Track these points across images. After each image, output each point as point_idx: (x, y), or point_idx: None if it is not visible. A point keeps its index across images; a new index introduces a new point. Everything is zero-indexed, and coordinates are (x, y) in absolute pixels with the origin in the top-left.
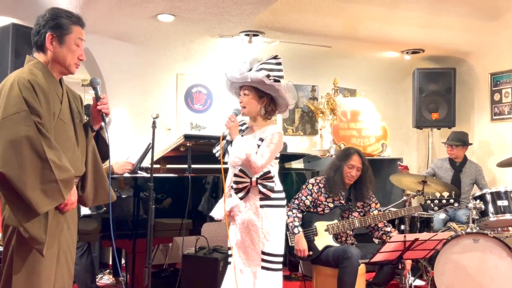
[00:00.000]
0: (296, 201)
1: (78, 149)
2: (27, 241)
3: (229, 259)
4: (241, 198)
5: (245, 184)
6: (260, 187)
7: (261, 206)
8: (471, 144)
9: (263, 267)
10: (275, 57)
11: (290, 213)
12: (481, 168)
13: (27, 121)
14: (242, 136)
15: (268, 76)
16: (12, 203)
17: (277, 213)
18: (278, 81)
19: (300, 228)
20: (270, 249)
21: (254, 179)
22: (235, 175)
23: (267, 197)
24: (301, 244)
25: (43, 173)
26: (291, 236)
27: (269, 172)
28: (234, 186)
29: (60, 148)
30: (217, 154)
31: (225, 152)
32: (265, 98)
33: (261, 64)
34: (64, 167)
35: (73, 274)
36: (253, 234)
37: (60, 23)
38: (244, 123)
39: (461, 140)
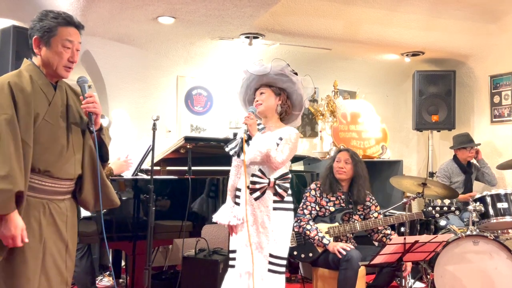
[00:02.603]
0: (306, 211)
1: (69, 152)
2: None
3: (232, 262)
4: (256, 199)
5: (262, 185)
6: (276, 187)
7: (274, 209)
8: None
9: (270, 270)
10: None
11: (308, 226)
12: (478, 166)
13: None
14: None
15: (288, 65)
16: None
17: (287, 216)
18: (296, 73)
19: (328, 237)
20: (278, 252)
21: (272, 179)
22: (253, 175)
23: (281, 199)
24: (337, 248)
25: None
26: (293, 240)
27: (287, 173)
28: (250, 186)
29: (41, 149)
30: (231, 152)
31: (240, 151)
32: (282, 95)
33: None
34: (2, 177)
35: (67, 278)
36: (262, 237)
37: (44, 26)
38: (260, 123)
39: (473, 141)
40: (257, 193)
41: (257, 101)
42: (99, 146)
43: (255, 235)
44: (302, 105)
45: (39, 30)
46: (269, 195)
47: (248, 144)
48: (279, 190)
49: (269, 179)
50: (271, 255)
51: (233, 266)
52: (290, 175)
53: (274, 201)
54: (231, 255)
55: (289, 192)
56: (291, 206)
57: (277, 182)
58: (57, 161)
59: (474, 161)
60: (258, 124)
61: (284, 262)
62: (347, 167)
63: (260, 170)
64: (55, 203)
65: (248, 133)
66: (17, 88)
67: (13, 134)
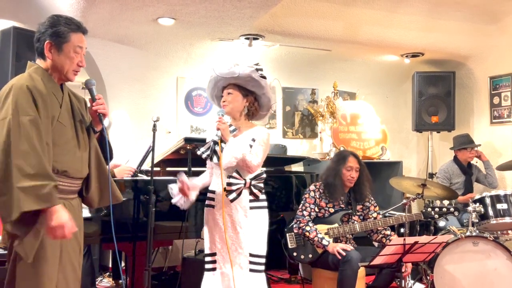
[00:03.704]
0: (306, 212)
1: (80, 151)
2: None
3: (211, 266)
4: (232, 200)
5: (239, 186)
6: (252, 187)
7: (251, 208)
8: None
9: (251, 270)
10: (256, 64)
11: (307, 227)
12: (478, 167)
13: (4, 127)
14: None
15: (256, 70)
16: None
17: (264, 215)
18: (264, 77)
19: (327, 238)
20: (258, 250)
21: (248, 180)
22: (230, 176)
23: (256, 199)
24: (337, 248)
25: (6, 178)
26: (293, 241)
27: (262, 173)
28: (227, 187)
29: (58, 150)
30: (203, 156)
31: (213, 154)
32: (249, 97)
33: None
34: (35, 175)
35: (80, 276)
36: (240, 236)
37: (58, 31)
38: (231, 125)
39: (473, 141)
40: (234, 195)
41: (223, 101)
42: (104, 145)
43: (233, 236)
44: (269, 106)
45: (51, 35)
46: (245, 195)
47: (222, 148)
48: (255, 190)
49: (245, 179)
50: (251, 255)
51: (211, 270)
52: (264, 175)
53: (250, 200)
54: (208, 259)
55: (263, 190)
56: (266, 204)
57: (253, 182)
58: (72, 161)
59: (475, 162)
60: (230, 126)
61: (264, 260)
62: (357, 175)
63: (237, 171)
64: (69, 202)
65: (221, 137)
66: (35, 91)
67: (38, 134)
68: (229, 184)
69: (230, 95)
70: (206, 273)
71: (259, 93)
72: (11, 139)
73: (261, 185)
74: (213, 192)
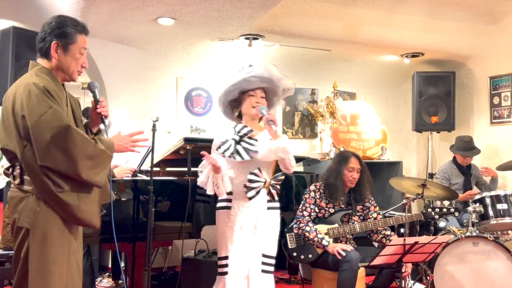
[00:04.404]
0: (306, 213)
1: None
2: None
3: (225, 269)
4: (250, 198)
5: (258, 184)
6: (270, 187)
7: (268, 208)
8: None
9: (263, 271)
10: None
11: (307, 228)
12: (478, 168)
13: (57, 114)
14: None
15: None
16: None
17: (278, 215)
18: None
19: (327, 238)
20: (270, 251)
21: (268, 180)
22: (252, 173)
23: (272, 199)
24: (337, 249)
25: (88, 151)
26: (293, 241)
27: (283, 174)
28: (247, 184)
29: None
30: (226, 154)
31: (235, 152)
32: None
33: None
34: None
35: (82, 275)
36: (255, 237)
37: (65, 32)
38: (246, 126)
39: (475, 148)
40: (253, 192)
41: (258, 102)
42: None
43: (247, 236)
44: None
45: (58, 36)
46: (263, 195)
47: (251, 143)
48: (272, 191)
49: (265, 179)
50: (264, 255)
51: (224, 273)
52: (283, 177)
53: (268, 201)
54: (222, 262)
55: (279, 192)
56: (279, 205)
57: (272, 182)
58: None
59: (473, 162)
60: (245, 126)
61: (274, 261)
62: (358, 176)
63: (259, 169)
64: None
65: (273, 125)
66: (49, 89)
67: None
68: (250, 180)
69: (263, 99)
70: (218, 277)
71: (273, 99)
72: (64, 123)
73: (278, 186)
74: (230, 193)
